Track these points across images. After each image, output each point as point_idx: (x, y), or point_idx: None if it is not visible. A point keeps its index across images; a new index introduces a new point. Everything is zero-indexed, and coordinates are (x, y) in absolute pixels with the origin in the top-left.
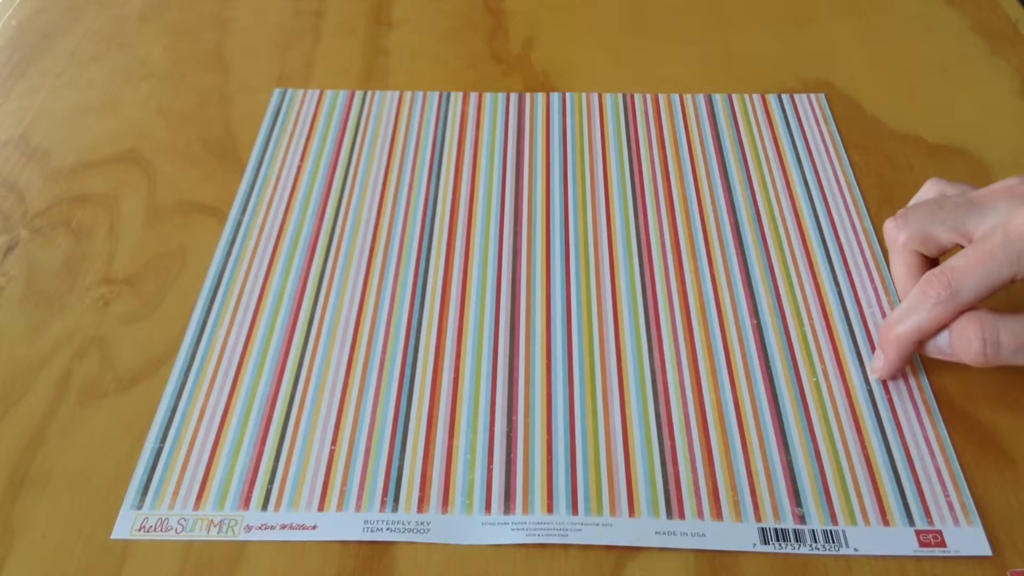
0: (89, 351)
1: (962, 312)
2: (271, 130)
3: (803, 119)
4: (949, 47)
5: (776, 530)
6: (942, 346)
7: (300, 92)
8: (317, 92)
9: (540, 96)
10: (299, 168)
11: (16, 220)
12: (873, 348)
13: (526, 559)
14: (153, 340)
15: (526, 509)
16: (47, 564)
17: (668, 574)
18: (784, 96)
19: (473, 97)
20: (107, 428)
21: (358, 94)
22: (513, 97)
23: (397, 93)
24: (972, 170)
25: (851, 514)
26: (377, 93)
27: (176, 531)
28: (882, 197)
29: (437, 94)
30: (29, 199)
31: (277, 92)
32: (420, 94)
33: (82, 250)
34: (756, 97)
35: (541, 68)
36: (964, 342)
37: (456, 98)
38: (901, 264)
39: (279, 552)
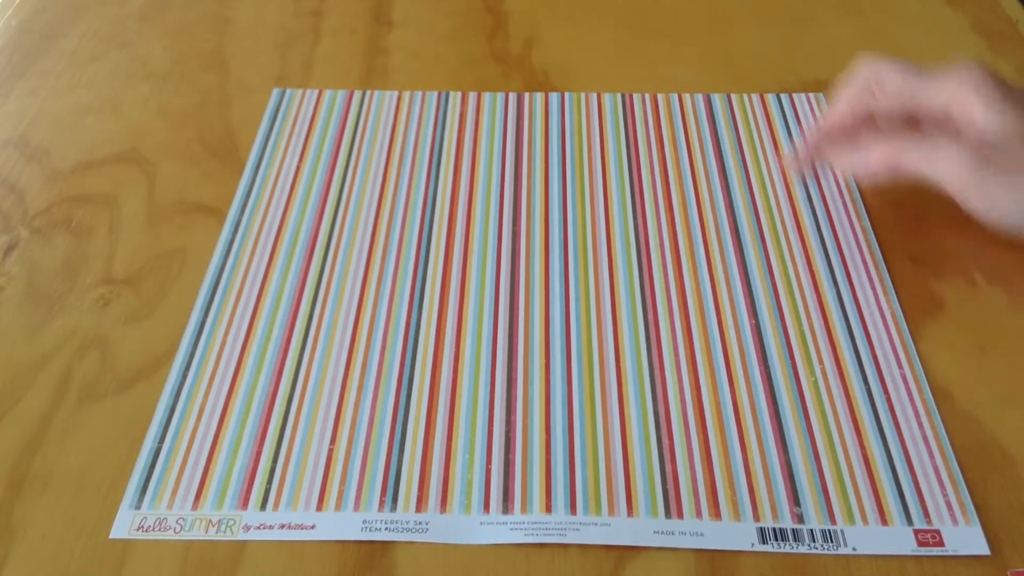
0: (89, 351)
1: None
2: (270, 130)
3: (802, 119)
4: (949, 47)
5: (775, 530)
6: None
7: (299, 92)
8: (316, 92)
9: (539, 96)
10: (298, 168)
11: (16, 220)
12: (872, 349)
13: (526, 559)
14: (153, 340)
15: (524, 509)
16: (47, 564)
17: (668, 574)
18: (783, 96)
19: (472, 97)
20: (107, 428)
21: (357, 94)
22: (512, 97)
23: (396, 93)
24: None
25: (849, 514)
26: (376, 93)
27: (175, 531)
28: (882, 197)
29: (436, 94)
30: (29, 199)
31: (276, 92)
32: (419, 94)
33: (82, 250)
34: (755, 97)
35: (541, 68)
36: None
37: (455, 98)
38: (852, 91)
39: (278, 552)
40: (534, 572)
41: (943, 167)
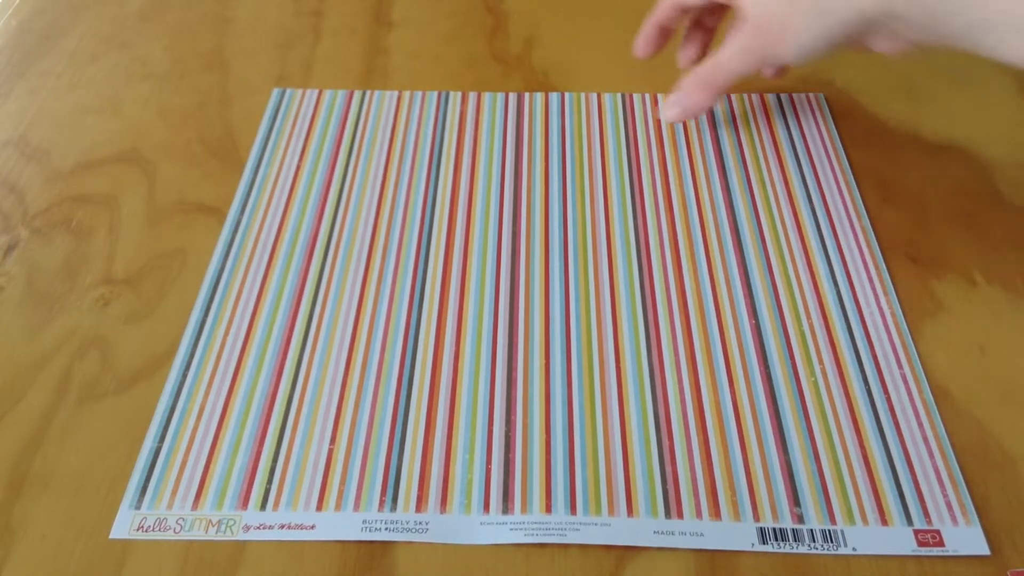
0: (89, 351)
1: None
2: (270, 130)
3: (802, 118)
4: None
5: (774, 530)
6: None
7: (299, 92)
8: (316, 92)
9: (539, 96)
10: (298, 167)
11: (16, 220)
12: (872, 349)
13: (526, 559)
14: (153, 340)
15: (524, 509)
16: (47, 564)
17: (668, 574)
18: (783, 95)
19: (472, 97)
20: (107, 428)
21: (357, 93)
22: (512, 97)
23: (396, 93)
24: (972, 170)
25: (849, 514)
26: (376, 92)
27: (174, 531)
28: (881, 196)
29: (436, 94)
30: (29, 199)
31: (276, 92)
32: (419, 94)
33: (82, 250)
34: (755, 97)
35: (541, 68)
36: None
37: (455, 98)
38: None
39: (278, 552)
40: (534, 572)
41: (735, 65)
